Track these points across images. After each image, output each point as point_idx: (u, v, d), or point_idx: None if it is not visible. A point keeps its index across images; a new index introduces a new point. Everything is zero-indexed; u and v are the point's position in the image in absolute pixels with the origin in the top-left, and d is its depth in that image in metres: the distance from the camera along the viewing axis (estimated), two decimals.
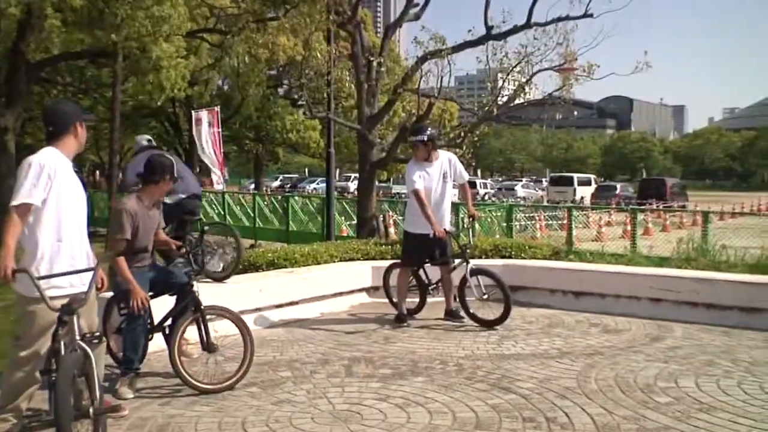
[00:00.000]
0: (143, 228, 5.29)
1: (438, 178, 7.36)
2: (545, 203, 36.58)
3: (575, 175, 46.14)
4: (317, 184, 49.34)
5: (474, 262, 7.71)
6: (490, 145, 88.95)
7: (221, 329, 5.56)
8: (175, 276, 5.46)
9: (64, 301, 3.99)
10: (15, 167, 22.92)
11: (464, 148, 13.71)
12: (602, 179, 65.01)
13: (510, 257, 9.47)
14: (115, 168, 22.01)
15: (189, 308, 5.29)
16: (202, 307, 5.27)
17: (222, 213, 23.29)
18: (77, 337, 3.87)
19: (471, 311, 7.37)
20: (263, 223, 22.18)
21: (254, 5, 24.50)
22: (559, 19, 13.01)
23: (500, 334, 6.92)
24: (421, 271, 7.67)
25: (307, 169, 63.76)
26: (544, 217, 18.90)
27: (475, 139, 14.58)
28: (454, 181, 7.60)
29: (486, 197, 43.14)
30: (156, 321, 5.50)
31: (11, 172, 21.48)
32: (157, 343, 5.62)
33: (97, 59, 24.38)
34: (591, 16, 12.99)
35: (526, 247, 9.91)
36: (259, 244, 20.48)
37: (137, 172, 7.49)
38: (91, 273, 4.20)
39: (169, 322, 5.47)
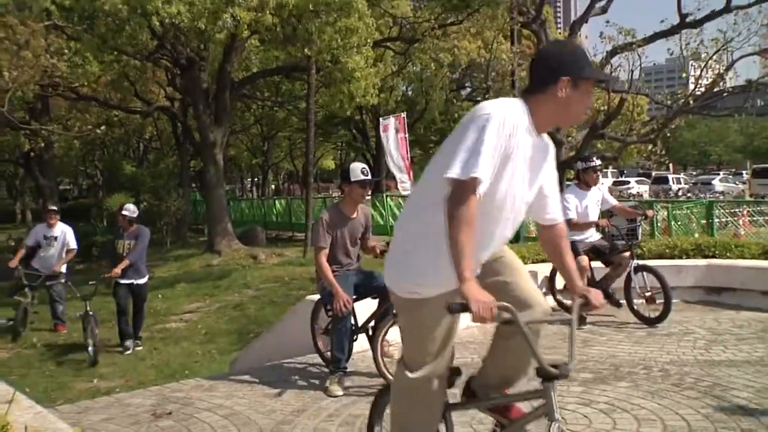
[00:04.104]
0: (341, 236, 5.58)
1: (591, 208, 7.64)
2: (748, 198, 33.80)
3: None
4: None
5: (657, 262, 7.98)
6: (682, 137, 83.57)
7: None
8: (377, 280, 5.67)
9: None
10: (223, 178, 24.84)
11: (658, 144, 13.08)
12: None
13: (714, 257, 8.87)
14: (310, 175, 23.14)
15: (390, 311, 5.47)
16: None
17: None
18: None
19: (635, 308, 7.40)
20: None
21: (435, 12, 24.96)
22: (764, 0, 12.05)
23: (707, 339, 6.52)
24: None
25: None
26: (748, 212, 17.47)
27: (668, 134, 13.86)
28: (601, 208, 7.82)
29: (680, 193, 40.61)
30: (360, 323, 5.76)
31: (220, 182, 23.33)
32: (361, 343, 5.87)
33: (291, 74, 25.75)
34: None
35: (732, 246, 9.21)
36: None
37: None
38: None
39: (372, 324, 5.69)
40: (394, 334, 5.53)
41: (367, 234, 5.90)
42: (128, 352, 10.30)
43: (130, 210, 10.17)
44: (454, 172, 2.60)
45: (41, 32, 17.60)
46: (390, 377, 5.31)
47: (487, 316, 2.51)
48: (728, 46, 12.44)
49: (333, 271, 5.53)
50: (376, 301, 5.68)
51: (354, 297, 5.57)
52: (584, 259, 7.39)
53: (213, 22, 16.36)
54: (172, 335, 12.41)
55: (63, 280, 11.58)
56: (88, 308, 9.82)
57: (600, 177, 7.90)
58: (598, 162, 7.83)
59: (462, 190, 2.58)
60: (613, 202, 7.93)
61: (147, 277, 10.41)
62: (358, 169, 5.70)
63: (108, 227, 29.18)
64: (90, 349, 9.71)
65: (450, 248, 2.59)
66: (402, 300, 2.99)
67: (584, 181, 7.72)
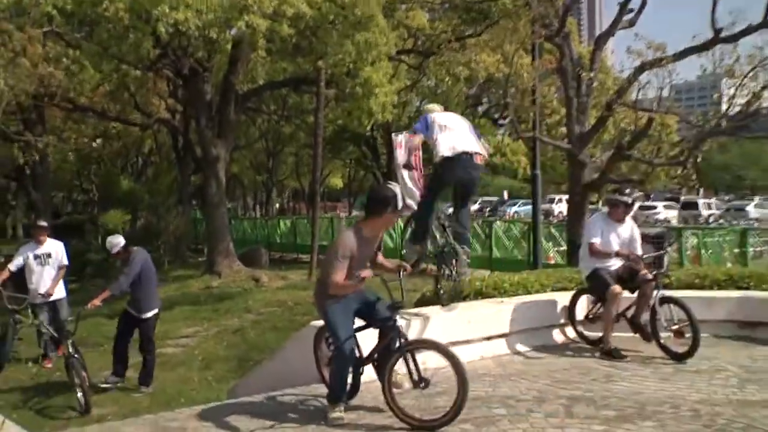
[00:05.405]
0: (358, 259, 5.48)
1: (621, 243, 7.55)
2: None
3: None
4: (518, 207, 48.82)
5: (685, 293, 7.85)
6: (714, 160, 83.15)
7: (432, 362, 5.63)
8: (378, 311, 5.59)
9: None
10: (225, 195, 24.92)
11: (688, 167, 13.03)
12: None
13: (747, 288, 8.78)
14: (317, 194, 23.19)
15: (394, 342, 5.40)
16: (406, 341, 5.36)
17: None
18: None
19: (662, 342, 7.28)
20: None
21: (452, 24, 25.07)
22: None
23: (741, 377, 6.43)
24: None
25: (506, 192, 63.25)
26: None
27: (699, 158, 13.80)
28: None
29: (710, 219, 40.38)
30: (365, 353, 5.70)
31: (221, 200, 23.38)
32: (367, 374, 5.82)
33: (300, 87, 25.85)
34: None
35: None
36: None
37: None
38: None
39: (377, 355, 5.63)
40: (401, 365, 5.48)
41: (376, 249, 5.86)
42: (106, 385, 9.81)
43: (112, 244, 9.57)
44: None
45: (38, 39, 17.77)
46: (399, 411, 5.26)
47: None
48: (765, 63, 12.42)
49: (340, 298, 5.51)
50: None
51: (355, 327, 5.52)
52: (617, 288, 7.32)
53: (225, 30, 16.46)
54: (168, 361, 12.38)
55: (65, 306, 11.16)
56: (71, 349, 9.06)
57: (629, 213, 7.72)
58: (628, 199, 7.62)
59: None
60: (637, 251, 7.60)
61: (153, 311, 9.74)
62: (401, 198, 5.56)
63: (103, 245, 29.24)
64: (79, 395, 8.86)
65: None
66: None
67: (609, 212, 7.67)
